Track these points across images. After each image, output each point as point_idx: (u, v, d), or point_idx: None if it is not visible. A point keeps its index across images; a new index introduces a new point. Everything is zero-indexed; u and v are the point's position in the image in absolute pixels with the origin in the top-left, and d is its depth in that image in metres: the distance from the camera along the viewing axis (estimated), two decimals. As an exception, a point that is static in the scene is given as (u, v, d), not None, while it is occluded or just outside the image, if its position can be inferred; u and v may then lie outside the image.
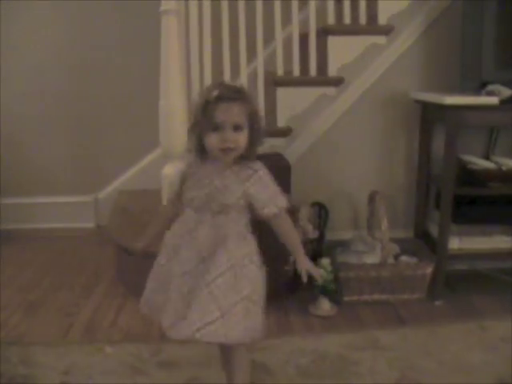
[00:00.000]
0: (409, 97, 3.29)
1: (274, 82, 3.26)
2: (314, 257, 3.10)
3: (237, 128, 1.76)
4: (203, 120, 1.78)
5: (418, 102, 3.25)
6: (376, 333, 2.59)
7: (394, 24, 3.29)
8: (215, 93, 1.77)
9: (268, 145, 3.17)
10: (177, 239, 1.89)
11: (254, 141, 1.83)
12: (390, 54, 3.33)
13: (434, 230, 3.14)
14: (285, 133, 3.27)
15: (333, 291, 2.88)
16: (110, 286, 3.16)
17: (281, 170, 2.86)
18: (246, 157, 1.83)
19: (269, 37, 3.24)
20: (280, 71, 3.27)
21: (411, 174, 3.42)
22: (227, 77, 3.16)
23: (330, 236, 3.30)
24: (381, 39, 3.30)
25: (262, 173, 1.83)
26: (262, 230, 2.88)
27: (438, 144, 3.20)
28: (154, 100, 2.89)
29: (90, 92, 4.15)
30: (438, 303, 2.91)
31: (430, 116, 3.22)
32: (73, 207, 4.26)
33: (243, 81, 3.19)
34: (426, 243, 3.22)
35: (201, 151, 1.84)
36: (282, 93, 3.26)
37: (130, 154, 4.26)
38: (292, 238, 1.94)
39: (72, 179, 4.28)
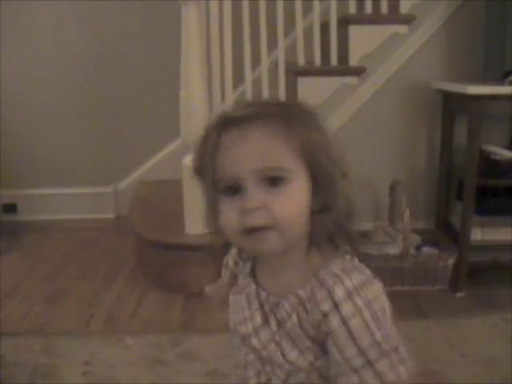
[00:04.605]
0: (430, 86, 3.26)
1: (294, 72, 3.24)
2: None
3: (269, 182, 0.90)
4: (203, 175, 0.97)
5: (439, 91, 3.21)
6: (397, 324, 2.57)
7: (415, 13, 3.26)
8: (216, 115, 0.98)
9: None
10: None
11: (321, 204, 0.95)
12: (411, 44, 3.29)
13: (455, 221, 3.12)
14: (306, 122, 3.25)
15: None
16: (130, 276, 3.17)
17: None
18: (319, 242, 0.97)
19: (290, 26, 3.23)
20: (301, 61, 3.24)
21: (433, 165, 3.39)
22: (248, 66, 3.15)
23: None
24: (403, 28, 3.27)
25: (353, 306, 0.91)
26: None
27: (460, 134, 3.16)
28: (175, 90, 2.89)
29: (110, 83, 4.15)
30: (459, 295, 2.89)
31: (451, 106, 3.19)
32: (92, 198, 4.28)
33: (264, 70, 3.17)
34: (447, 234, 3.19)
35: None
36: (303, 83, 3.24)
37: (150, 145, 4.27)
38: None
39: (92, 170, 4.29)
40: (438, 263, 2.87)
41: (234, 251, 1.12)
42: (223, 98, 3.15)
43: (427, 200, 3.44)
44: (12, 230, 4.04)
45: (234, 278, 1.12)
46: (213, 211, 0.96)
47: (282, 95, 3.19)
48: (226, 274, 1.16)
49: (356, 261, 0.99)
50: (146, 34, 4.05)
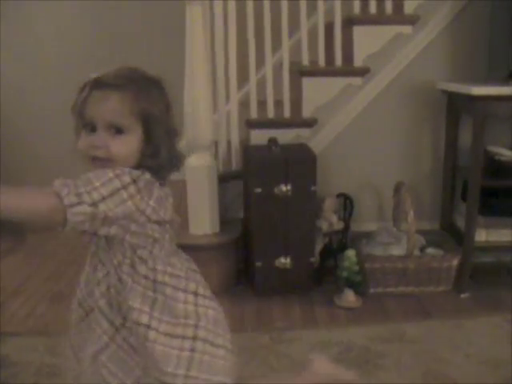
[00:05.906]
0: (435, 87, 3.25)
1: (299, 72, 3.24)
2: (340, 248, 3.10)
3: (114, 130, 1.31)
4: (75, 112, 1.40)
5: (444, 92, 3.21)
6: (402, 325, 2.58)
7: (420, 13, 3.25)
8: (94, 75, 1.41)
9: (293, 135, 3.17)
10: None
11: (149, 153, 1.35)
12: (416, 44, 3.28)
13: (460, 222, 3.11)
14: (310, 123, 3.25)
15: (358, 283, 2.86)
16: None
17: (306, 161, 2.85)
18: None
19: (294, 26, 3.22)
20: (305, 61, 3.24)
21: (437, 165, 3.38)
22: (252, 67, 3.15)
23: (356, 227, 3.28)
24: (407, 29, 3.26)
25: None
26: (288, 222, 2.88)
27: (465, 135, 3.16)
28: (179, 91, 2.88)
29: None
30: (463, 296, 2.88)
31: (456, 106, 3.18)
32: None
33: (268, 70, 3.17)
34: (451, 235, 3.18)
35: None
36: (307, 83, 3.24)
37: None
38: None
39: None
40: (442, 264, 2.87)
41: None
42: (228, 99, 3.16)
43: (431, 201, 3.43)
44: (16, 230, 4.04)
45: None
46: (76, 136, 1.38)
47: (286, 96, 3.19)
48: None
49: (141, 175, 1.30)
50: (150, 33, 4.04)
